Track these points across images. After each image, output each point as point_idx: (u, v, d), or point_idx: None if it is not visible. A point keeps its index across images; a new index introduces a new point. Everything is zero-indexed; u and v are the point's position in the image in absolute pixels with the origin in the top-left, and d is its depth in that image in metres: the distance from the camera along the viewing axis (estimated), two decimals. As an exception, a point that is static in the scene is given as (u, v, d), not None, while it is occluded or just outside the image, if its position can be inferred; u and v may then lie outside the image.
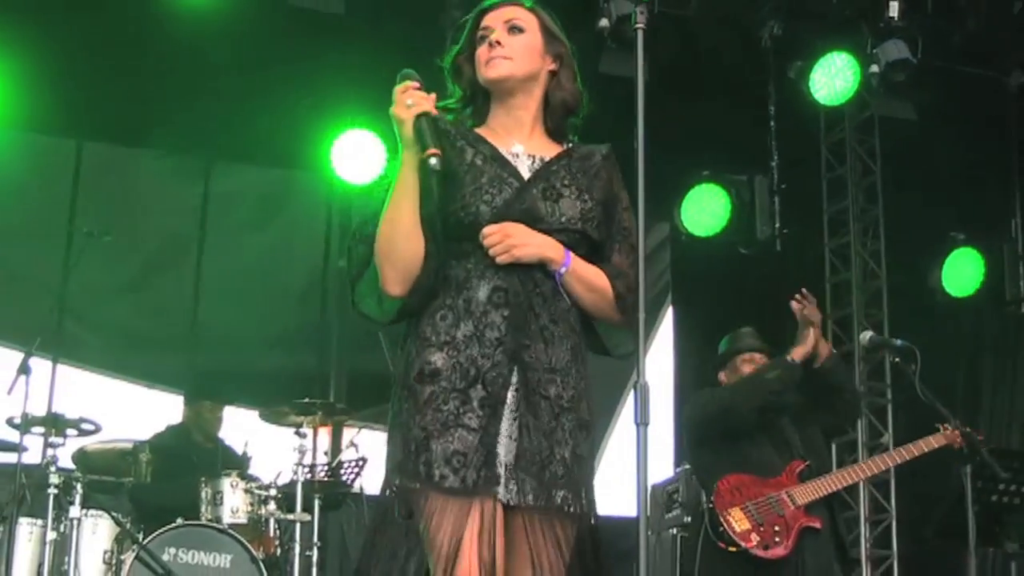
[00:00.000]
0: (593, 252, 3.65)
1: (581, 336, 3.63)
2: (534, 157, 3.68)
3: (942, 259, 10.13)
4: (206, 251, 10.43)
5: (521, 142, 3.70)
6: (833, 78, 9.57)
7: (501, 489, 3.43)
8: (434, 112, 3.53)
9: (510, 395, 3.47)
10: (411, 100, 3.51)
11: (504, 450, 3.45)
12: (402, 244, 3.51)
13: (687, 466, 8.80)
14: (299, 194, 10.68)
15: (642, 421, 3.28)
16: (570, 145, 3.77)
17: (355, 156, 9.26)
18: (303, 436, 7.95)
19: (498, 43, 3.68)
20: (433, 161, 3.45)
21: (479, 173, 3.60)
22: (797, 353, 6.74)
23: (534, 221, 3.56)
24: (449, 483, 3.38)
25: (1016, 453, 7.36)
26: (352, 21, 8.78)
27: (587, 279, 3.60)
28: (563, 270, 3.55)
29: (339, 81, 9.12)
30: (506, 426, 3.47)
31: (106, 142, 10.14)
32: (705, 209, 9.79)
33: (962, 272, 10.20)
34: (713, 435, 6.88)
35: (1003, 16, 9.82)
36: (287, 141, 9.69)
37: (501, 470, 3.44)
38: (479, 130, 3.73)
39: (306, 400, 8.06)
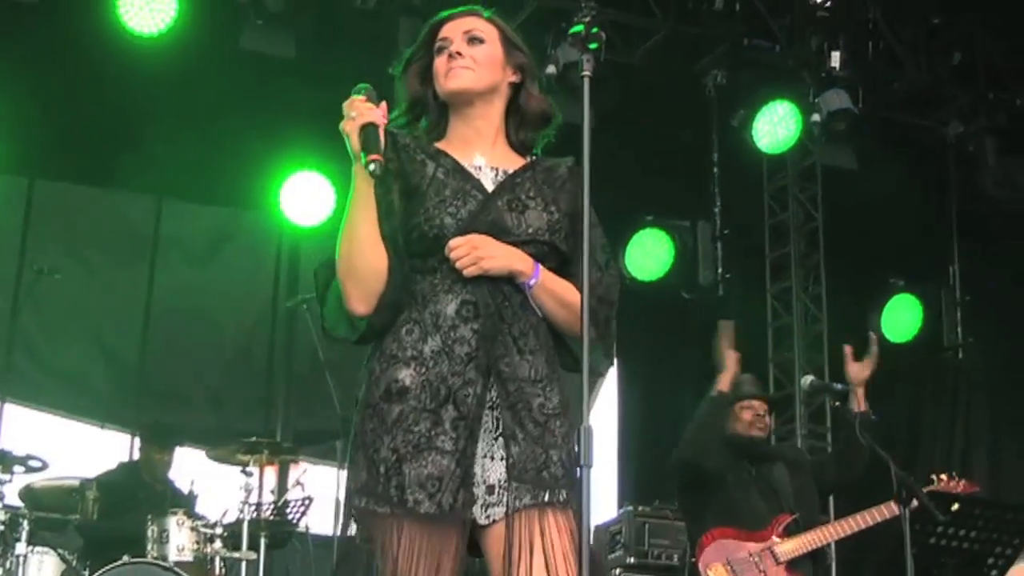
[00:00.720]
0: (562, 266, 3.54)
1: (553, 350, 3.51)
2: (497, 169, 3.57)
3: (881, 305, 10.28)
4: (155, 289, 10.39)
5: (483, 154, 3.59)
6: (776, 126, 9.74)
7: (478, 509, 3.33)
8: (380, 122, 3.38)
9: (486, 414, 3.36)
10: (355, 112, 3.36)
11: (481, 470, 3.35)
12: (362, 259, 3.38)
13: (630, 507, 8.88)
14: (248, 234, 10.68)
15: (585, 463, 3.21)
16: (534, 158, 3.66)
17: (304, 198, 9.39)
18: (249, 475, 7.93)
19: (458, 54, 3.56)
20: (372, 167, 3.30)
21: (442, 186, 3.48)
22: (722, 383, 6.84)
23: (501, 233, 3.44)
24: (424, 508, 3.26)
25: (953, 496, 7.44)
26: (302, 64, 8.82)
27: (557, 293, 3.49)
28: (532, 283, 3.44)
29: (289, 123, 9.17)
30: (483, 447, 3.36)
31: (57, 180, 10.11)
32: (649, 254, 9.89)
33: (901, 318, 10.36)
34: (693, 481, 6.88)
35: (942, 67, 10.05)
36: (237, 181, 9.74)
37: (478, 491, 3.34)
38: (439, 144, 3.60)
39: (253, 439, 8.05)
